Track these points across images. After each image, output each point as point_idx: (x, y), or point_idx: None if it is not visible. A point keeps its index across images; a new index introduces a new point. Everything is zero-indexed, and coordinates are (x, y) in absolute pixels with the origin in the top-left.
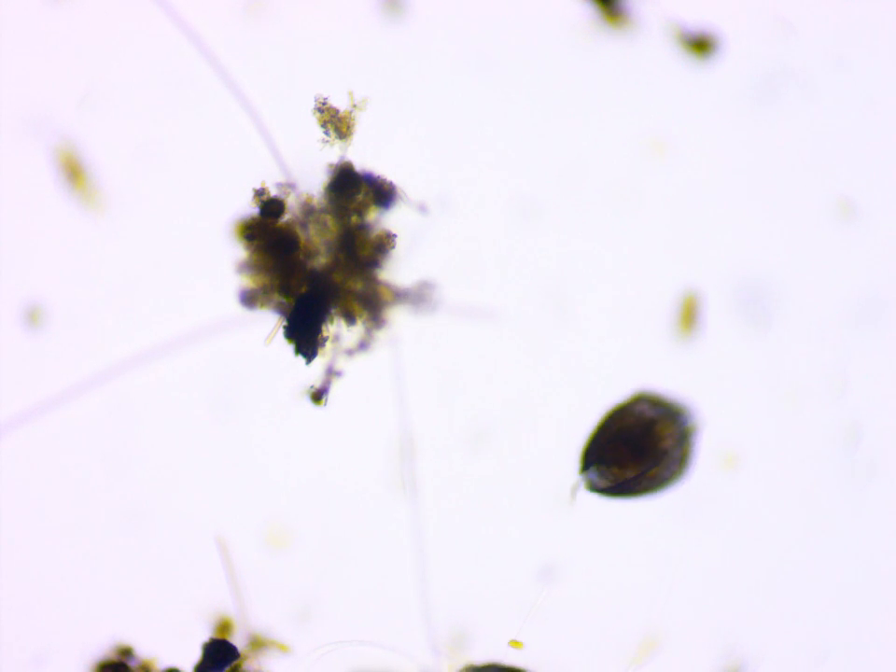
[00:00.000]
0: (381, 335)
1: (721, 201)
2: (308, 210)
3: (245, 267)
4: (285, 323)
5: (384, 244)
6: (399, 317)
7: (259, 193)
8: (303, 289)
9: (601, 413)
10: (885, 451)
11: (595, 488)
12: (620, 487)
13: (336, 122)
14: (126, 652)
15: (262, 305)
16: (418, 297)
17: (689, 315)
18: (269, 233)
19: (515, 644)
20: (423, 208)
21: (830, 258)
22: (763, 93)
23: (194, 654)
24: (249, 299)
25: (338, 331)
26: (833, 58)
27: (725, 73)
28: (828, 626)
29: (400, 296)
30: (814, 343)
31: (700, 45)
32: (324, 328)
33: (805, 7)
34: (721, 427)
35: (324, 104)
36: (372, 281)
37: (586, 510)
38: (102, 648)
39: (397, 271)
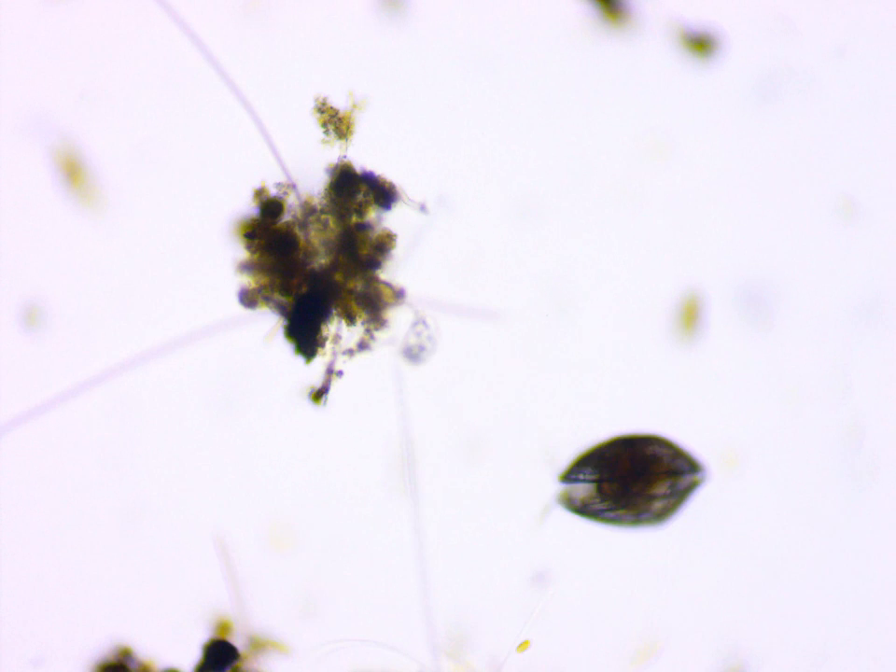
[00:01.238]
0: (381, 335)
1: (722, 201)
2: (308, 210)
3: (245, 267)
4: (285, 322)
5: (384, 244)
6: (398, 318)
7: (259, 193)
8: (303, 289)
9: (613, 436)
10: (886, 451)
11: (571, 503)
12: (594, 509)
13: (336, 122)
14: (126, 653)
15: (262, 305)
16: (413, 345)
17: (691, 315)
18: (269, 233)
19: (523, 645)
20: (423, 208)
21: (832, 257)
22: (764, 92)
23: (194, 654)
24: (249, 299)
25: (338, 331)
26: (835, 56)
27: (727, 72)
28: (828, 627)
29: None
30: (816, 344)
31: (701, 44)
32: (324, 328)
33: (805, 5)
34: (722, 428)
35: (324, 104)
36: (372, 281)
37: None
38: (101, 648)
39: (397, 271)
